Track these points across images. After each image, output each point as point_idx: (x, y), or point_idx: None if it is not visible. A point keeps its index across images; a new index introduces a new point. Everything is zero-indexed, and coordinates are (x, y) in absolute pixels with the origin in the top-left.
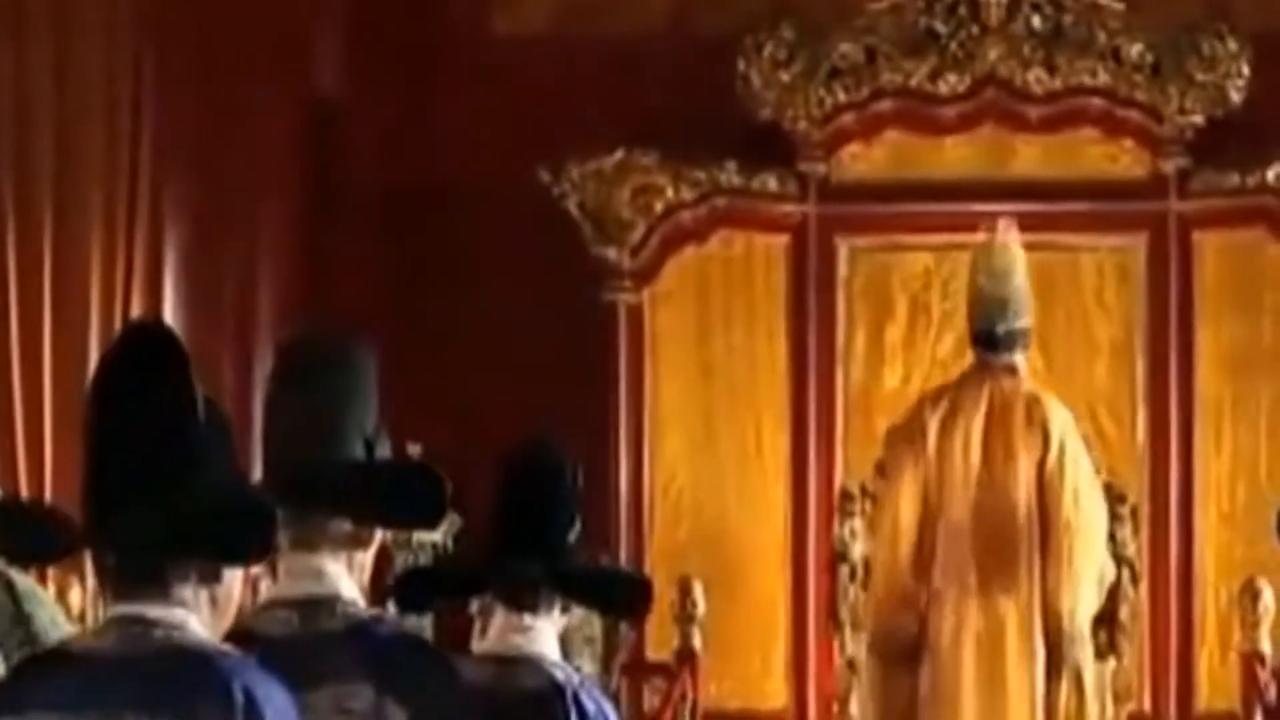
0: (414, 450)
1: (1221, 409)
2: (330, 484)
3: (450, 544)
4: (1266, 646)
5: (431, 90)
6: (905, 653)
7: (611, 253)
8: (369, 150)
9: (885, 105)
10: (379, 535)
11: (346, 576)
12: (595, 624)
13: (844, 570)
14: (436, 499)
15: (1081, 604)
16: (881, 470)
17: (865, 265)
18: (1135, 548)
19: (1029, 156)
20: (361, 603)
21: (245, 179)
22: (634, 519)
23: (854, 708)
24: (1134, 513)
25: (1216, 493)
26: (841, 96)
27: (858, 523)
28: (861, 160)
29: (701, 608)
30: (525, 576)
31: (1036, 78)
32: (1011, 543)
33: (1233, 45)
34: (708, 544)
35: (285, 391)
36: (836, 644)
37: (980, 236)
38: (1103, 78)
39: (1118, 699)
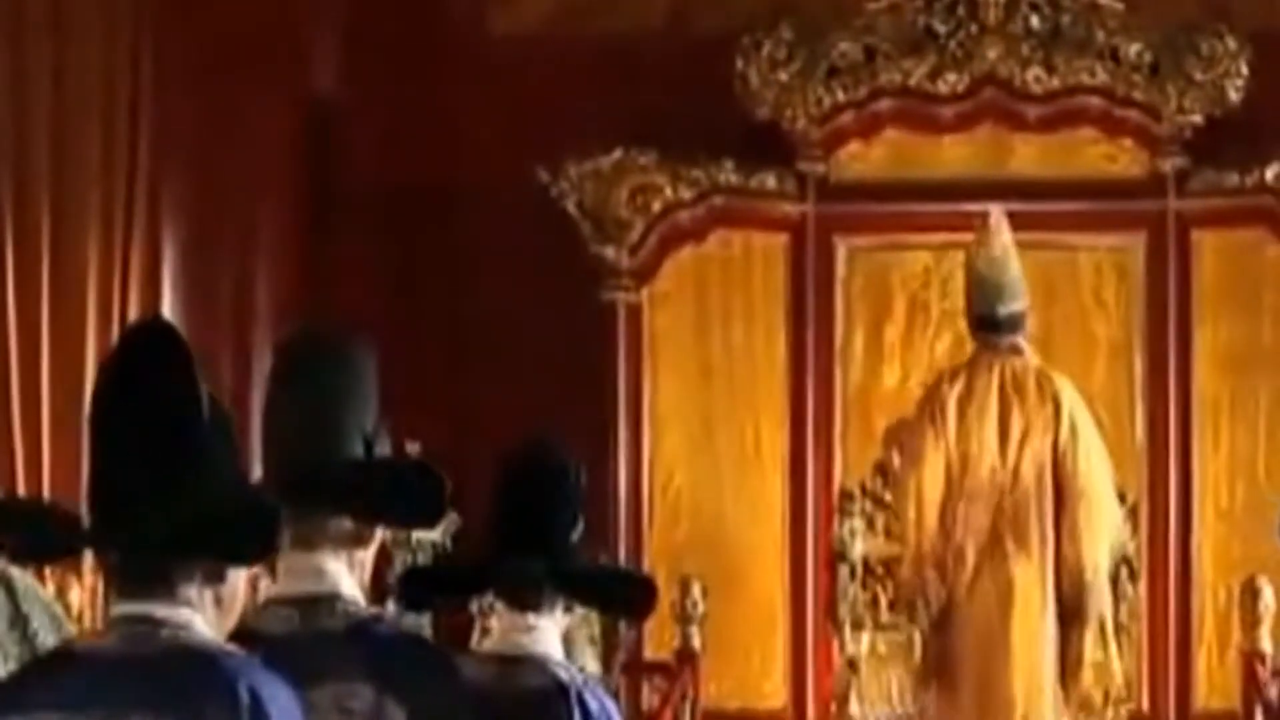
0: (413, 449)
1: (1220, 408)
2: (330, 482)
3: (449, 543)
4: (1267, 645)
5: (430, 90)
6: (936, 615)
7: (610, 252)
8: (367, 150)
9: (884, 104)
10: (379, 534)
11: (347, 575)
12: (595, 624)
13: (844, 570)
14: (436, 497)
15: (1101, 559)
16: (901, 448)
17: (864, 264)
18: (1134, 546)
19: (1028, 156)
20: (362, 601)
21: (243, 179)
22: (633, 518)
23: (853, 707)
24: (1133, 511)
25: (1215, 491)
26: (840, 96)
27: (857, 522)
28: (860, 159)
29: (701, 607)
30: (528, 576)
31: (1035, 77)
32: (1028, 508)
33: (1231, 44)
34: (706, 543)
35: (285, 390)
36: (836, 643)
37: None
38: (1101, 77)
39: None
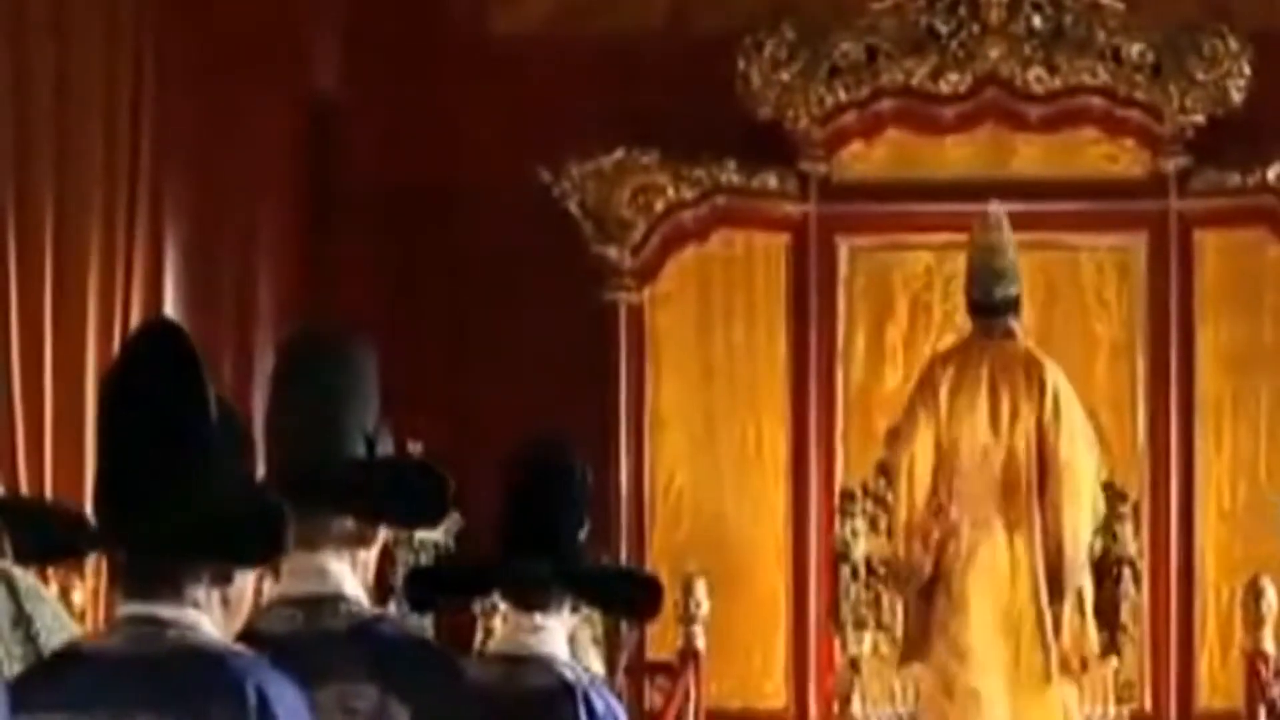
0: (414, 449)
1: (1222, 408)
2: (332, 482)
3: (451, 543)
4: (1270, 646)
5: (431, 90)
6: (923, 584)
7: (612, 252)
8: (368, 150)
9: (886, 104)
10: (382, 534)
11: (350, 575)
12: (598, 624)
13: (845, 570)
14: (439, 497)
15: (1082, 533)
16: (895, 429)
17: (866, 264)
18: (1136, 547)
19: (1029, 156)
20: (365, 601)
21: (245, 179)
22: (634, 518)
23: (855, 707)
24: (1134, 511)
25: (1217, 491)
26: (842, 95)
27: (859, 522)
28: (862, 159)
29: (704, 607)
30: (535, 576)
31: (1037, 77)
32: (1015, 484)
33: (1233, 44)
34: (708, 543)
35: (286, 390)
36: (838, 643)
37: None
38: (1103, 77)
39: (1119, 698)
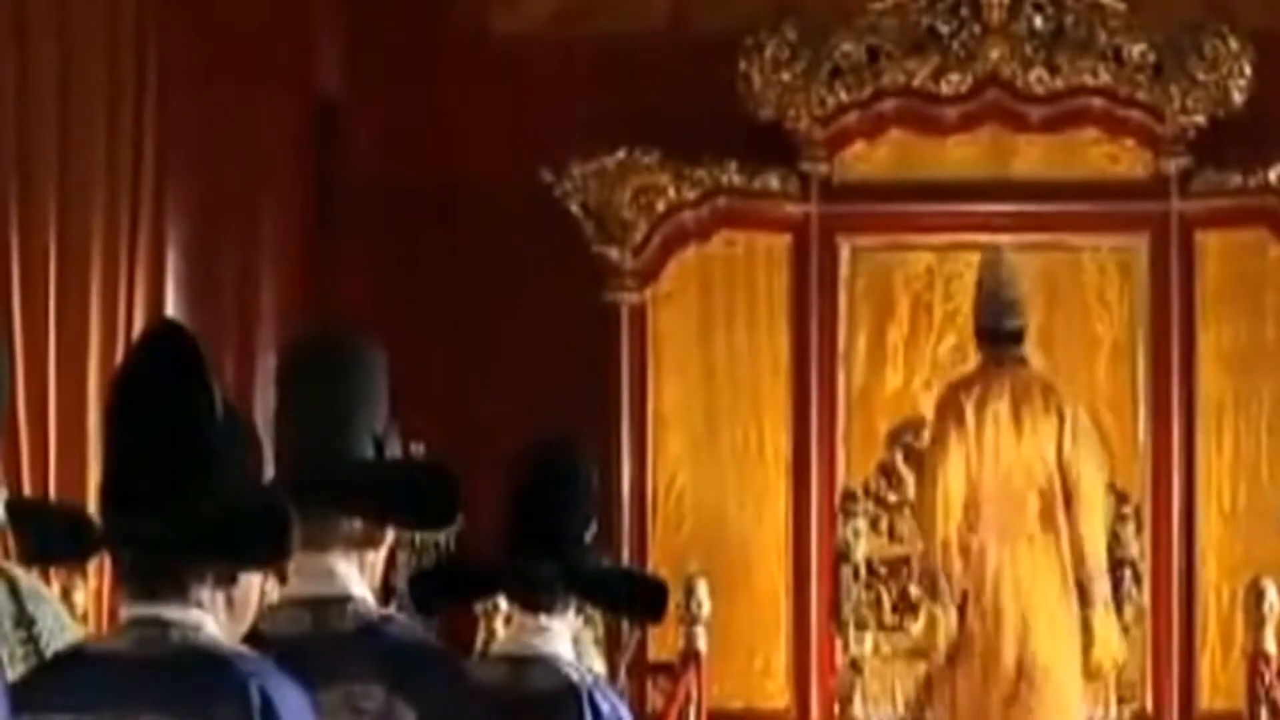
0: (416, 450)
1: (1223, 409)
2: (341, 483)
3: (453, 544)
4: (1272, 647)
5: (432, 90)
6: (958, 600)
7: (613, 252)
8: (371, 150)
9: (887, 105)
10: (390, 535)
11: (358, 576)
12: (600, 625)
13: (846, 571)
14: (449, 499)
15: (1100, 549)
16: (925, 449)
17: (867, 265)
18: (1137, 548)
19: (1031, 156)
20: (372, 603)
21: (247, 179)
22: (636, 519)
23: (856, 707)
24: (1136, 512)
25: (1218, 493)
26: (843, 96)
27: (861, 523)
28: (864, 160)
29: (706, 608)
30: (541, 577)
31: (1038, 78)
32: (1034, 503)
33: (1234, 45)
34: (709, 544)
35: (294, 391)
36: (839, 644)
37: (982, 238)
38: (1104, 78)
39: (1120, 699)
